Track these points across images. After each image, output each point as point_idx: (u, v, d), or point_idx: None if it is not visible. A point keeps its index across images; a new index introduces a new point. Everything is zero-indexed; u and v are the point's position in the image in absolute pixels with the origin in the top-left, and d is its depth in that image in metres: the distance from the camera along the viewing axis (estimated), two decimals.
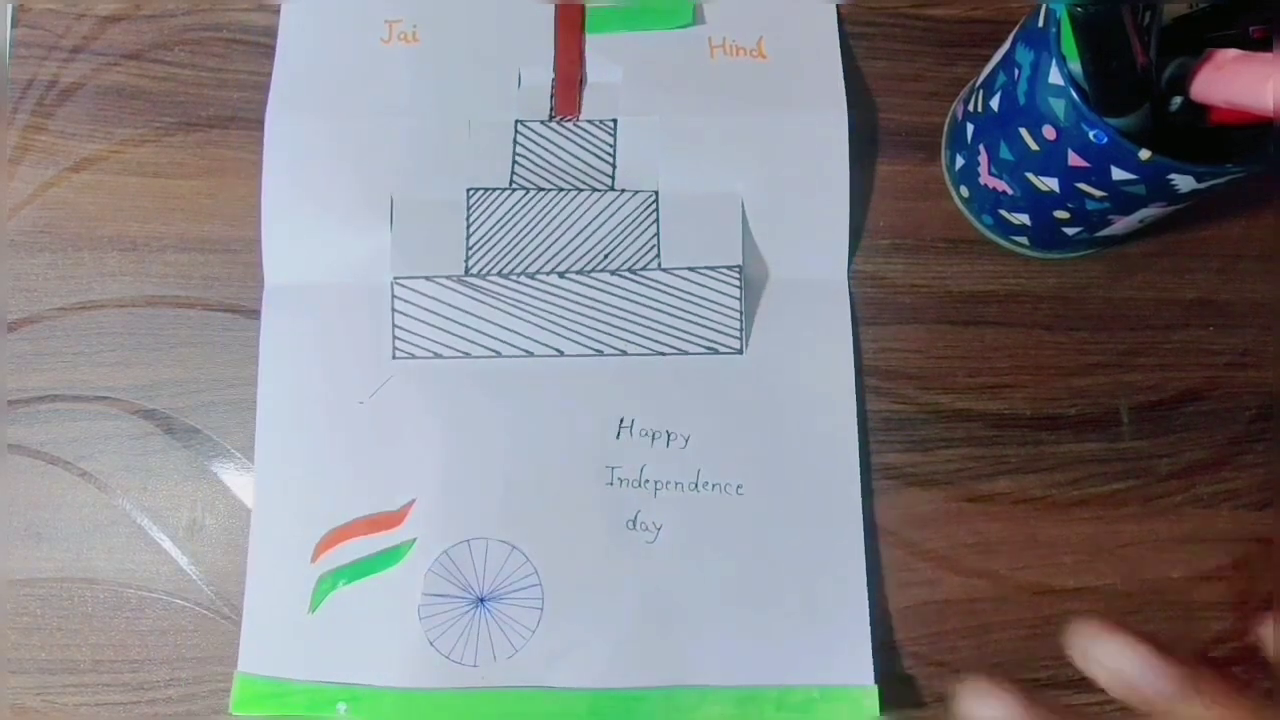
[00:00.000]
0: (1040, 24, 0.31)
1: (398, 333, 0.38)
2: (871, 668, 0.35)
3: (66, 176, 0.39)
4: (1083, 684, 0.37)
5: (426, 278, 0.38)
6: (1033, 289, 0.40)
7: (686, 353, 0.38)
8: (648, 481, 0.37)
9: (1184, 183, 0.30)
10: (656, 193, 0.39)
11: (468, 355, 0.38)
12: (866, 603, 0.36)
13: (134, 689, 0.36)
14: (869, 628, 0.36)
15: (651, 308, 0.38)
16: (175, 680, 0.36)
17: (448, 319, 0.38)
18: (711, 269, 0.38)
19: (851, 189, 0.39)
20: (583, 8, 0.40)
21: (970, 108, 0.37)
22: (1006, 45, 0.35)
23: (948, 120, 0.40)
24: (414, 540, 0.36)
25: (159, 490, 0.37)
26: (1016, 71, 0.33)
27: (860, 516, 0.37)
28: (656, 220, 0.38)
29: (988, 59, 0.37)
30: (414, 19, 0.40)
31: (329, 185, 0.38)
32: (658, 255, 0.38)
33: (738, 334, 0.38)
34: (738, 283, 0.38)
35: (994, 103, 0.35)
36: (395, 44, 0.40)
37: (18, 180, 0.39)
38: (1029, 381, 0.39)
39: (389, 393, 0.37)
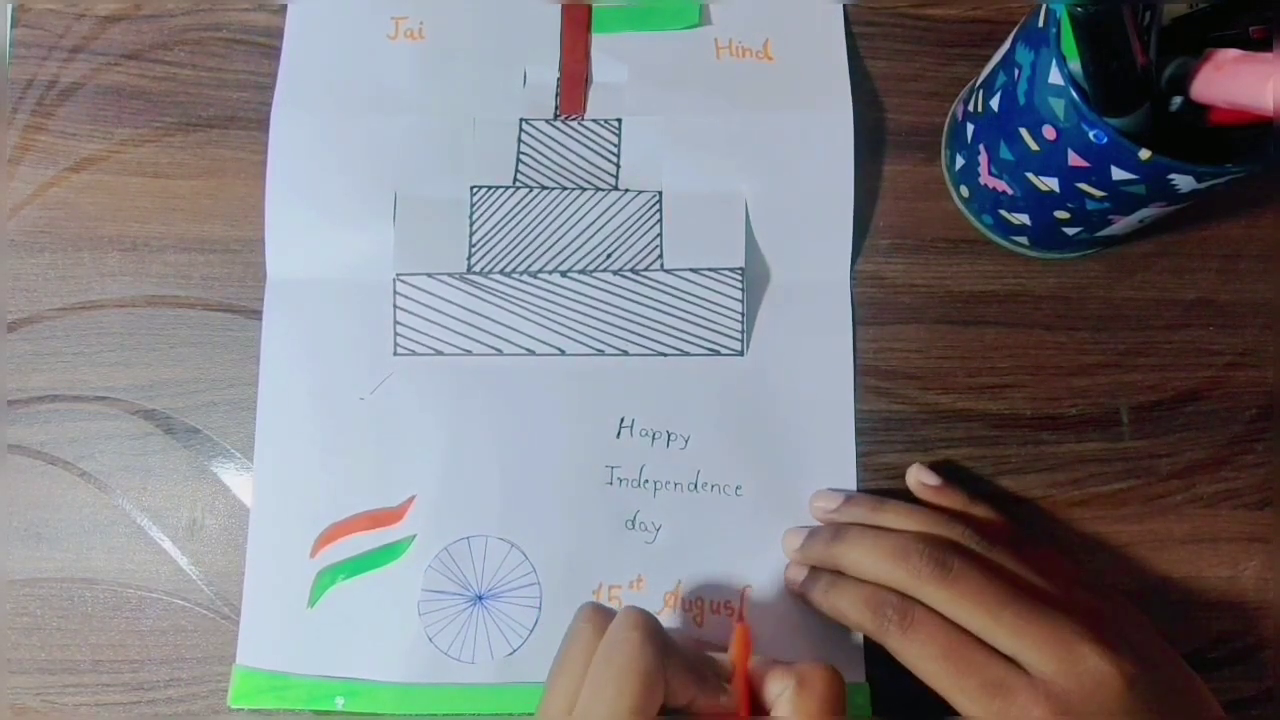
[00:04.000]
0: (1040, 24, 0.31)
1: (399, 329, 0.38)
2: (862, 666, 0.35)
3: (66, 176, 0.39)
4: None
5: (429, 275, 0.38)
6: (1033, 289, 0.39)
7: (688, 354, 0.38)
8: (647, 481, 0.37)
9: (1184, 183, 0.30)
10: (660, 193, 0.39)
11: (469, 353, 0.38)
12: None
13: (134, 689, 0.36)
14: (860, 637, 0.36)
15: (653, 308, 0.38)
16: (175, 680, 0.36)
17: (449, 316, 0.38)
18: (714, 271, 0.38)
19: (854, 190, 0.39)
20: (589, 7, 0.40)
21: (970, 108, 0.37)
22: (1006, 45, 0.35)
23: (948, 120, 0.40)
24: (413, 536, 0.36)
25: (159, 490, 0.37)
26: (1016, 71, 0.33)
27: None
28: (660, 220, 0.38)
29: (988, 59, 0.37)
30: (420, 16, 0.40)
31: (333, 181, 0.38)
32: (660, 256, 0.38)
33: (739, 336, 0.38)
34: (740, 285, 0.38)
35: (994, 103, 0.35)
36: (401, 41, 0.40)
37: (18, 180, 0.39)
38: (1029, 381, 0.39)
39: (390, 389, 0.37)
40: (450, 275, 0.38)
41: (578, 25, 0.40)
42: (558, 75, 0.40)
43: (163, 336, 0.38)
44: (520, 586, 0.36)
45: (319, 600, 0.36)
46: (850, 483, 0.37)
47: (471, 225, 0.38)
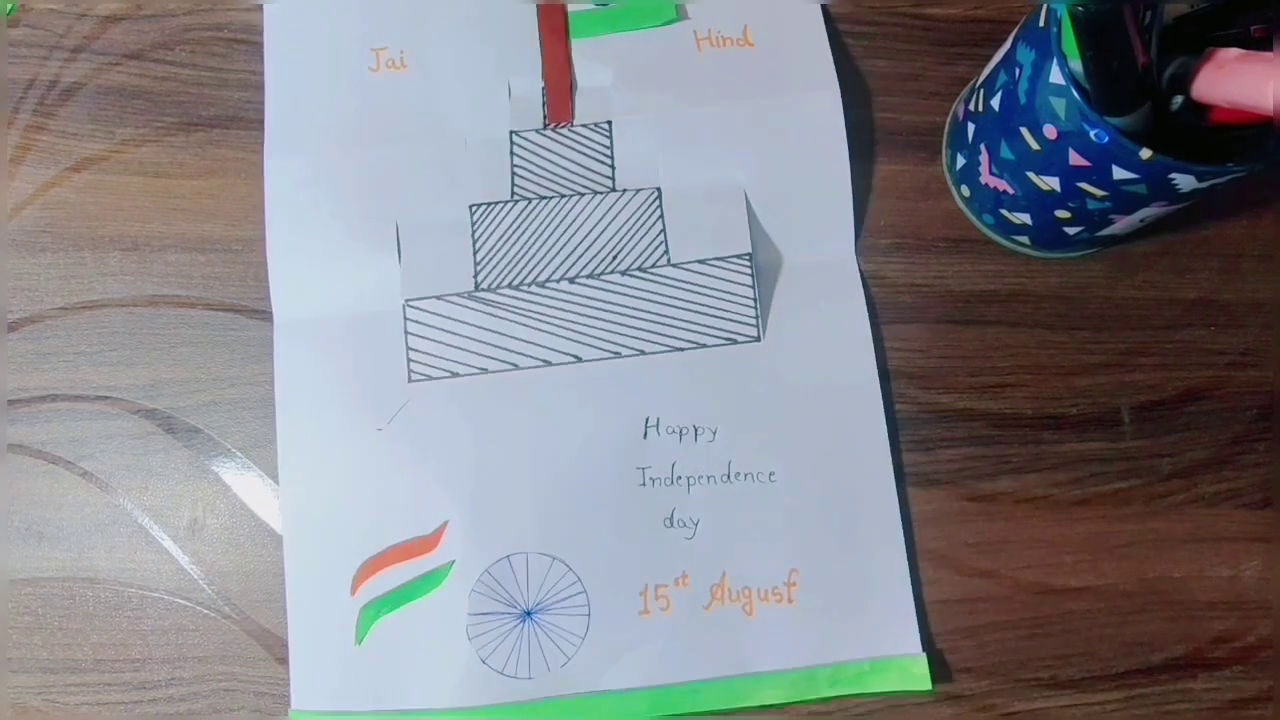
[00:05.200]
0: (1041, 23, 0.31)
1: (412, 355, 0.37)
2: (918, 636, 0.36)
3: (67, 176, 0.39)
4: (1082, 685, 0.37)
5: (437, 297, 0.38)
6: (1034, 288, 0.39)
7: (705, 345, 0.38)
8: (680, 478, 0.37)
9: (1185, 182, 0.30)
10: (659, 189, 0.39)
11: (485, 371, 0.37)
12: (908, 572, 0.36)
13: (135, 688, 0.36)
14: (912, 597, 0.36)
15: (666, 304, 0.38)
16: (176, 679, 0.36)
17: (462, 336, 0.37)
18: (721, 259, 0.38)
19: (853, 188, 0.39)
20: (565, 15, 0.40)
21: (971, 107, 0.37)
22: (1007, 44, 0.35)
23: (949, 120, 0.40)
24: (451, 563, 0.36)
25: (160, 490, 0.37)
26: (1017, 71, 0.33)
27: (894, 488, 0.37)
28: (661, 216, 0.38)
29: (989, 58, 0.37)
30: (400, 45, 0.40)
31: (332, 218, 0.38)
32: (666, 251, 0.38)
33: (754, 321, 0.38)
34: (749, 270, 0.38)
35: (995, 102, 0.35)
36: (384, 72, 0.40)
37: (19, 180, 0.39)
38: (1030, 381, 0.39)
39: (409, 416, 0.37)
40: (459, 295, 0.38)
41: (555, 33, 0.40)
42: (542, 85, 0.40)
43: (164, 336, 0.38)
44: (567, 597, 0.36)
45: (365, 636, 0.35)
46: (883, 455, 0.37)
47: (475, 243, 0.38)
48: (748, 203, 0.39)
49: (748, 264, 0.38)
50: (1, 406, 0.37)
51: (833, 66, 0.39)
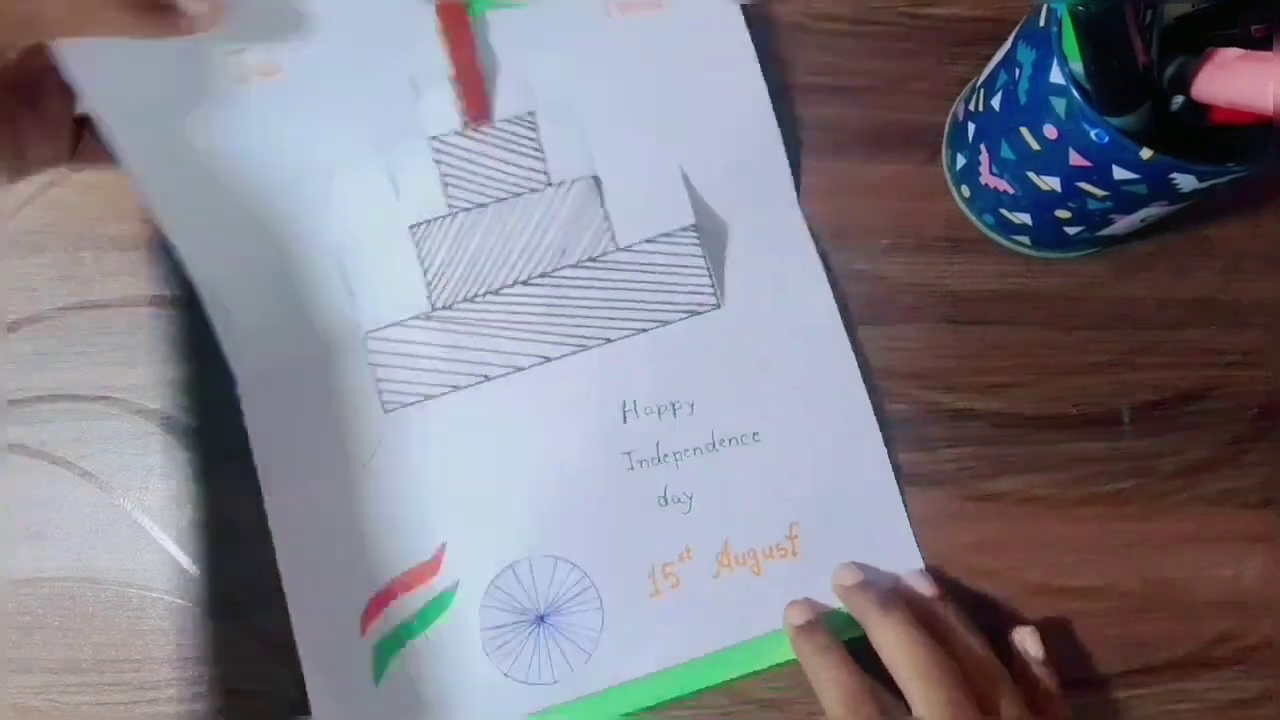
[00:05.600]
0: (1041, 23, 0.31)
1: (382, 385, 0.37)
2: (919, 555, 0.37)
3: (68, 176, 0.39)
4: (1083, 684, 0.37)
5: (397, 324, 0.37)
6: (1034, 288, 0.39)
7: (668, 323, 0.38)
8: (666, 455, 0.37)
9: (1185, 182, 0.30)
10: (596, 177, 0.38)
11: (456, 388, 0.37)
12: (900, 500, 0.37)
13: (135, 689, 0.35)
14: (908, 523, 0.37)
15: (622, 288, 0.38)
16: (176, 679, 0.36)
17: (429, 358, 0.37)
18: (667, 235, 0.38)
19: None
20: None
21: (971, 107, 0.37)
22: (1008, 44, 0.35)
23: (949, 120, 0.40)
24: (456, 583, 0.36)
25: (160, 490, 0.37)
26: (1018, 70, 0.33)
27: (874, 420, 0.37)
28: (602, 203, 0.38)
29: (989, 58, 0.37)
30: (265, 50, 0.33)
31: (269, 260, 0.36)
32: (613, 237, 0.38)
33: (711, 290, 0.38)
34: (696, 240, 0.38)
35: (995, 102, 0.35)
36: (255, 83, 0.33)
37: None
38: (1031, 381, 0.39)
39: (390, 446, 0.37)
40: (417, 318, 0.37)
41: (455, 18, 0.35)
42: (450, 76, 0.36)
43: (164, 336, 0.38)
44: (578, 594, 0.36)
45: (384, 675, 0.35)
46: (858, 391, 0.38)
47: (422, 263, 0.37)
48: (685, 176, 0.38)
49: (694, 235, 0.38)
50: (1, 406, 0.37)
51: (742, 18, 0.38)
